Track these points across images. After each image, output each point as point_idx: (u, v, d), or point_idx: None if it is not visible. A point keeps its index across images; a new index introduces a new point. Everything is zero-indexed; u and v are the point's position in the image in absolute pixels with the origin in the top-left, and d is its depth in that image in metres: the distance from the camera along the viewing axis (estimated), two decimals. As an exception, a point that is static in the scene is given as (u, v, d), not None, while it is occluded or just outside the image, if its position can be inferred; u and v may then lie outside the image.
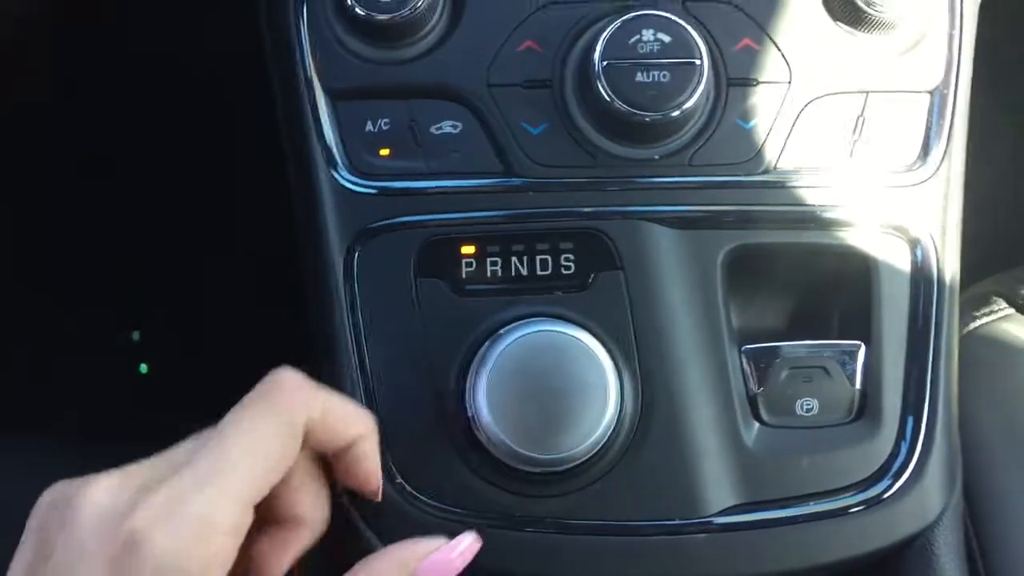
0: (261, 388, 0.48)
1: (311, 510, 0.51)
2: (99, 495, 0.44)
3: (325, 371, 0.60)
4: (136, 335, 1.28)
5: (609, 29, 0.57)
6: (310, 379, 0.49)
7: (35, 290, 1.23)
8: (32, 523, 0.47)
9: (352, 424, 0.51)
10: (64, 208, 1.25)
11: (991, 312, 0.74)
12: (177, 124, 1.17)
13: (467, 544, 0.50)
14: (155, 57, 1.08)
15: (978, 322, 0.73)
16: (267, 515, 0.50)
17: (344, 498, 0.57)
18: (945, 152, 0.60)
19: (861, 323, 0.61)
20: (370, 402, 0.59)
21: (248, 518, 0.45)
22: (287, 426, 0.47)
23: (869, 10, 0.59)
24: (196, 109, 1.16)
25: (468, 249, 0.60)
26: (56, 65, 1.06)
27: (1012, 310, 0.75)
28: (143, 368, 1.26)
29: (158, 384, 1.28)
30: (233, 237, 1.25)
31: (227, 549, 0.44)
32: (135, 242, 1.24)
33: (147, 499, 0.43)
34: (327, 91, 0.60)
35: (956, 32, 0.61)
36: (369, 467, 0.53)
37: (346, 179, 0.60)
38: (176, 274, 1.25)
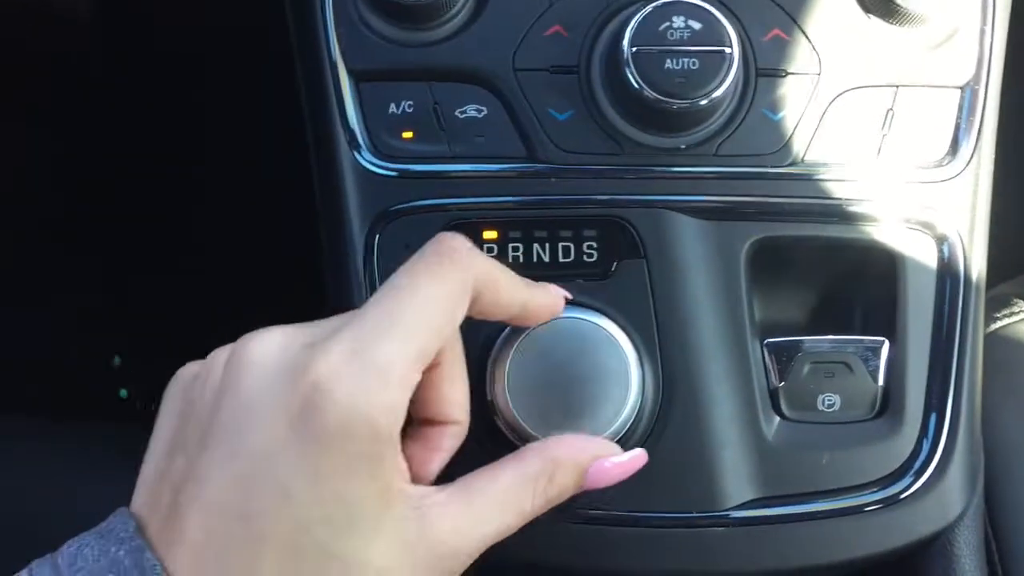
0: (429, 247, 0.46)
1: (458, 409, 0.49)
2: (270, 350, 0.42)
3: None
4: (117, 360, 1.27)
5: (639, 15, 0.57)
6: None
7: (34, 295, 1.23)
8: (171, 401, 0.44)
9: (517, 295, 0.49)
10: (64, 208, 1.24)
11: (1012, 314, 0.73)
12: (180, 122, 1.17)
13: (635, 456, 0.50)
14: (156, 56, 1.08)
15: (999, 323, 0.73)
16: (415, 414, 0.47)
17: None
18: (975, 148, 0.60)
19: (885, 319, 0.60)
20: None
21: (417, 376, 0.43)
22: (459, 283, 0.45)
23: (901, 3, 0.58)
24: (199, 107, 1.16)
25: (490, 234, 0.59)
26: (56, 64, 1.06)
27: (1033, 312, 0.74)
28: (123, 393, 1.25)
29: (158, 383, 1.27)
30: (233, 236, 1.24)
31: (403, 403, 0.42)
32: (134, 240, 1.24)
33: (324, 350, 0.41)
34: (350, 72, 0.60)
35: (988, 27, 0.60)
36: None
37: (368, 161, 0.59)
38: (176, 272, 1.25)
